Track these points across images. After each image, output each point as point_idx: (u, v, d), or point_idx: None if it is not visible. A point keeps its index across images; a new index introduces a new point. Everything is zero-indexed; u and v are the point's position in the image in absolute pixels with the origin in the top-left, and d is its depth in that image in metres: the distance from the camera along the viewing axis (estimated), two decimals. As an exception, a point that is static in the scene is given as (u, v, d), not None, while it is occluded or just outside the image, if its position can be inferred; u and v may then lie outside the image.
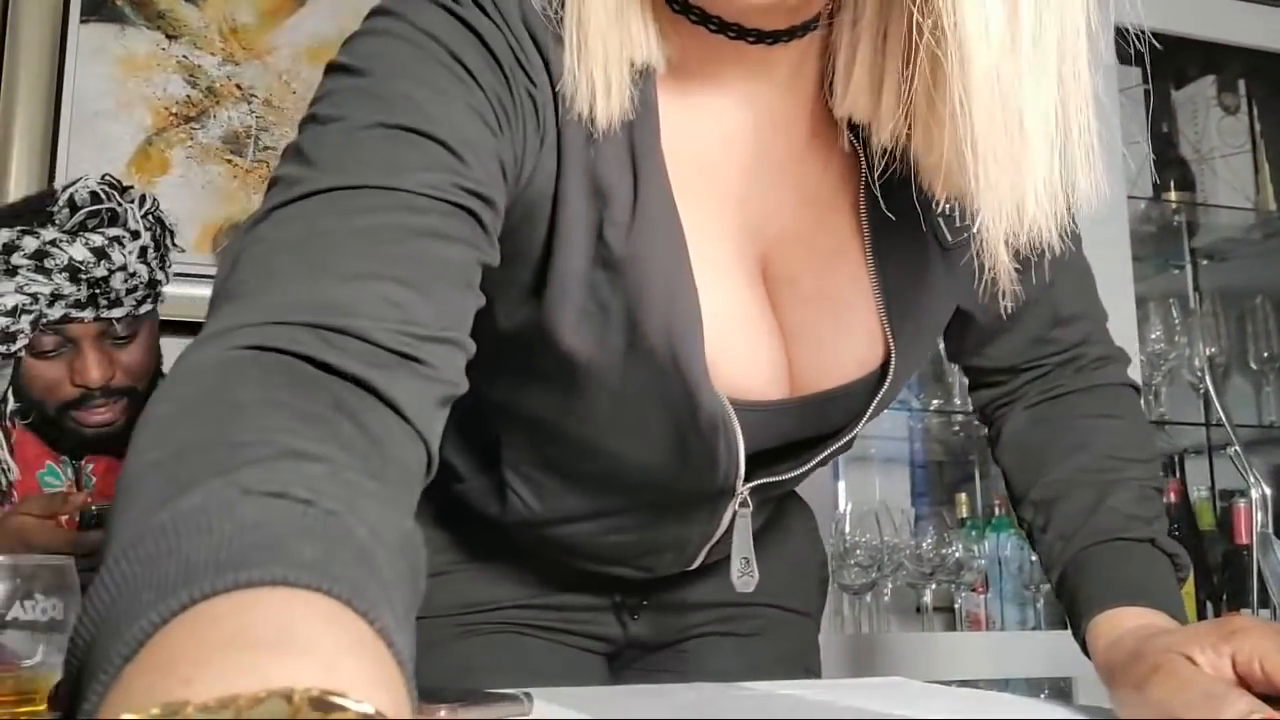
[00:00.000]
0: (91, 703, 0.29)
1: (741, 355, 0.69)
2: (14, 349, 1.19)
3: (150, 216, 1.28)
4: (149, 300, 1.26)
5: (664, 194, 0.64)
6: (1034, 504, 0.78)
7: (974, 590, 1.92)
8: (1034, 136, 0.57)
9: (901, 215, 0.69)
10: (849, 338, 0.73)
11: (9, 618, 0.48)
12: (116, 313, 1.22)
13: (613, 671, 0.93)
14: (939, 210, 0.67)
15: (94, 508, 1.13)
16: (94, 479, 1.29)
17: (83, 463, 1.29)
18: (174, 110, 1.67)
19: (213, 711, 0.24)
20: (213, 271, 1.63)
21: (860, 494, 1.93)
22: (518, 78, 0.59)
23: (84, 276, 1.19)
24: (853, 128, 0.69)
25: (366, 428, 0.44)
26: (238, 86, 1.71)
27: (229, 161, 1.69)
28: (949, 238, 0.71)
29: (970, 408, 0.97)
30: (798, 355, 0.72)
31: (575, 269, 0.64)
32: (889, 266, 0.72)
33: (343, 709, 0.25)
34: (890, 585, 1.87)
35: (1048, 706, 0.69)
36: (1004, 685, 0.83)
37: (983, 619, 1.93)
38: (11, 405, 1.24)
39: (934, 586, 1.85)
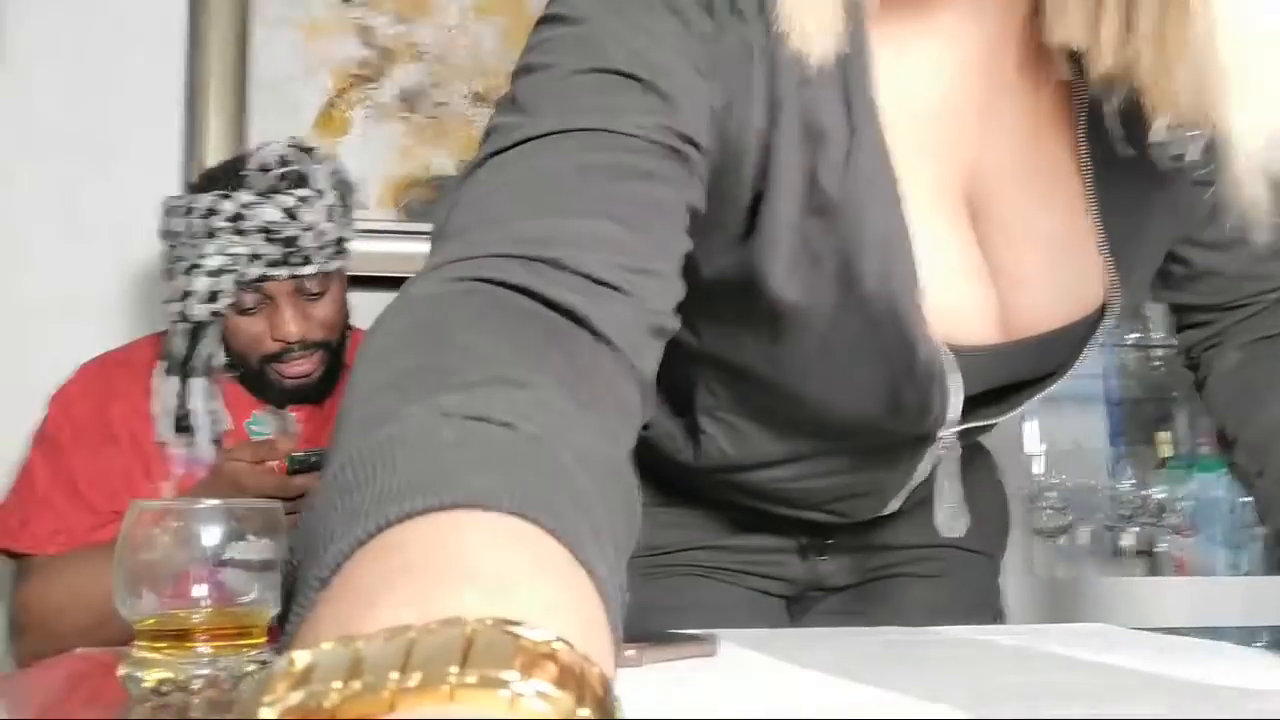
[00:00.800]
0: (289, 633, 0.30)
1: (955, 301, 0.67)
2: (219, 307, 1.27)
3: (335, 176, 1.33)
4: (337, 257, 1.32)
5: (877, 137, 0.62)
6: (1248, 447, 0.73)
7: (1178, 533, 1.82)
8: None
9: (1121, 145, 0.65)
10: (1067, 277, 0.70)
11: (226, 557, 0.51)
12: (308, 270, 1.28)
13: (792, 614, 0.93)
14: (1159, 138, 0.63)
15: (301, 453, 1.19)
16: (299, 425, 1.36)
17: (287, 410, 1.37)
18: (352, 72, 1.73)
19: (383, 646, 0.23)
20: (396, 227, 1.69)
21: (1053, 434, 1.85)
22: (730, 20, 0.59)
23: (277, 236, 1.25)
24: (1070, 56, 0.64)
25: (576, 357, 0.43)
26: (410, 45, 1.75)
27: (405, 119, 1.73)
28: (1165, 167, 0.66)
29: (1172, 340, 0.92)
30: (1012, 298, 0.69)
31: (786, 215, 0.63)
32: (1108, 200, 0.68)
33: (518, 638, 0.23)
34: (1086, 528, 1.79)
35: (1265, 655, 0.64)
36: (1213, 634, 0.78)
37: (1188, 564, 1.83)
38: (220, 359, 1.32)
39: (1134, 529, 1.76)
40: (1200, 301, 0.81)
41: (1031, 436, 1.85)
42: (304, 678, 0.23)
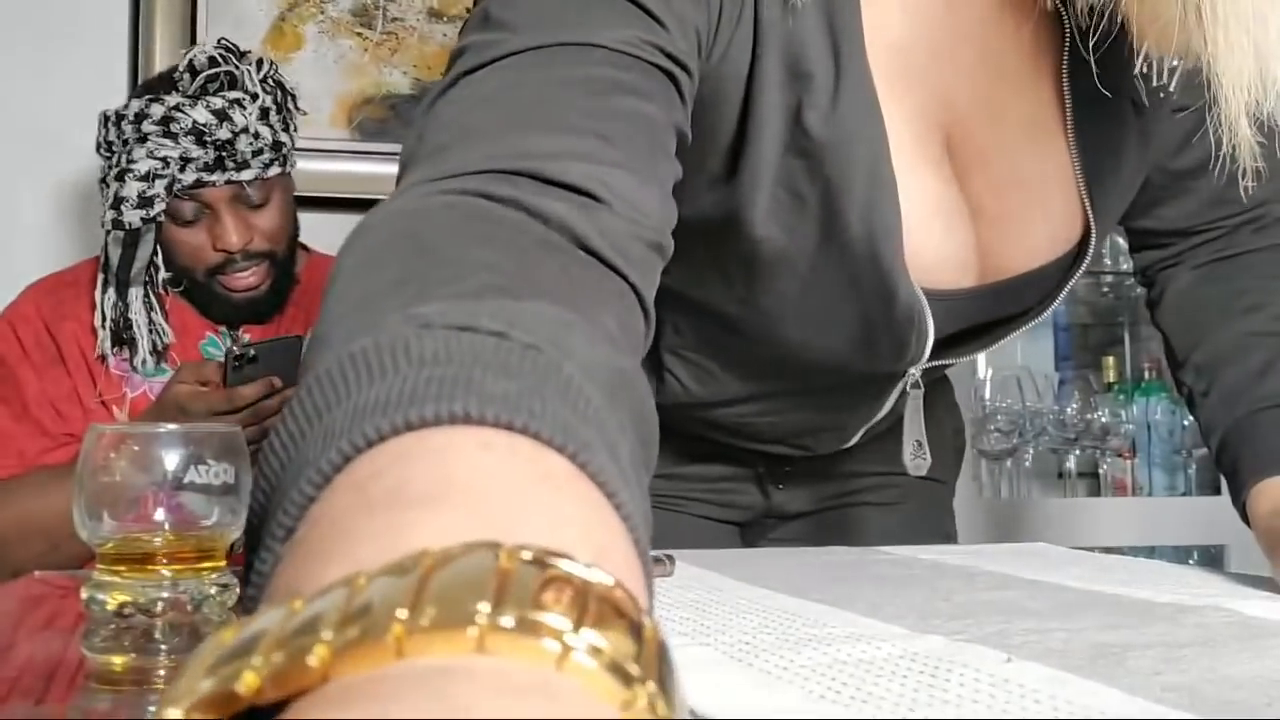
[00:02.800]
0: (251, 595, 0.26)
1: (934, 244, 0.67)
2: (152, 213, 1.24)
3: (270, 81, 1.30)
4: (276, 164, 1.29)
5: (864, 75, 0.61)
6: (1197, 367, 0.74)
7: (1120, 456, 1.87)
8: None
9: (1103, 80, 0.64)
10: (1045, 217, 0.69)
11: (186, 481, 0.51)
12: (245, 175, 1.25)
13: (746, 540, 0.94)
14: (1138, 70, 0.62)
15: (237, 348, 1.15)
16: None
17: (240, 331, 1.36)
18: (303, -16, 1.68)
19: (386, 581, 0.18)
20: (349, 146, 1.66)
21: (1001, 359, 1.89)
22: None
23: (208, 139, 1.23)
24: None
25: (570, 268, 0.40)
26: (364, -43, 1.70)
27: (358, 34, 1.69)
28: (1145, 101, 0.66)
29: (1119, 268, 0.93)
30: (989, 238, 0.69)
31: (769, 155, 0.61)
32: (1089, 137, 0.67)
33: (568, 576, 0.18)
34: (1031, 451, 1.84)
35: (1200, 573, 0.67)
36: (1150, 552, 0.81)
37: (1129, 485, 1.89)
38: (163, 274, 1.30)
39: (1078, 453, 1.81)
40: (1163, 227, 0.81)
41: (980, 361, 1.89)
42: (280, 639, 0.17)
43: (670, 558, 0.63)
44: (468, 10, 1.87)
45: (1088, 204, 0.69)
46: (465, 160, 0.44)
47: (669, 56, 0.52)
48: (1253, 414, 0.68)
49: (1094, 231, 0.70)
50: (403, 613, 0.17)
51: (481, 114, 0.47)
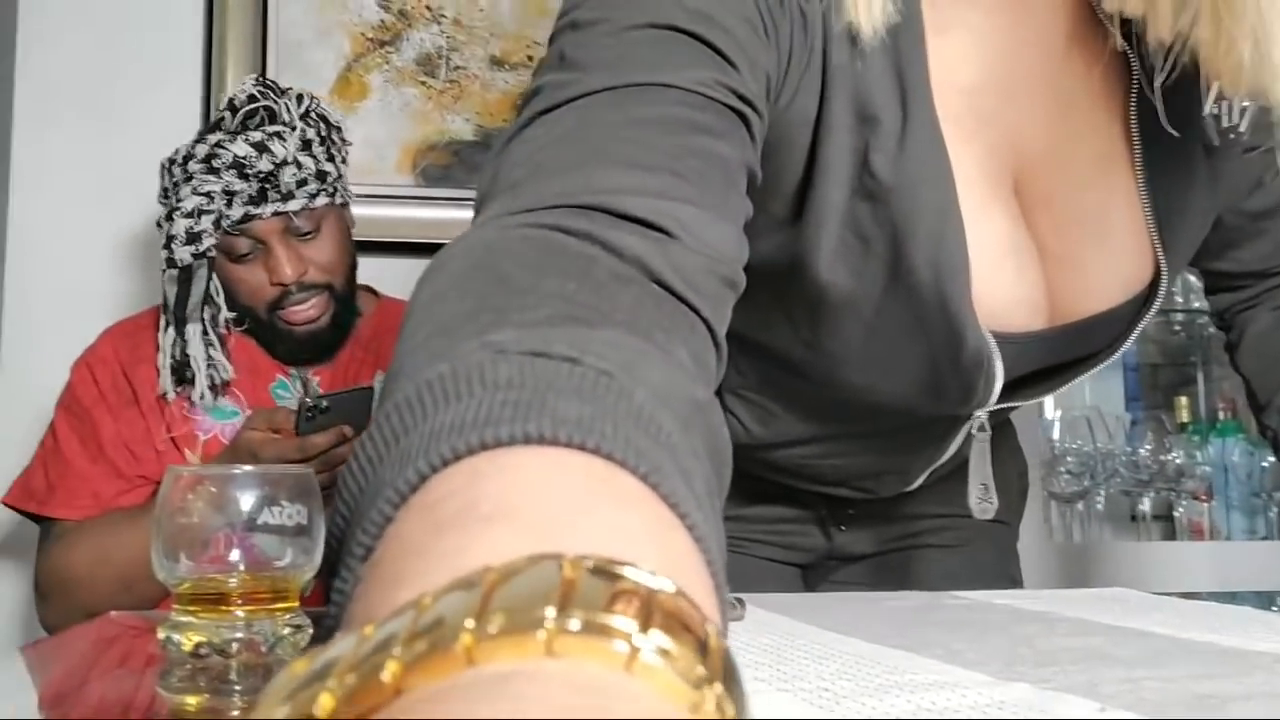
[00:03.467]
0: (334, 614, 0.26)
1: (1003, 286, 0.66)
2: (201, 248, 1.27)
3: (313, 115, 1.33)
4: (323, 194, 1.31)
5: (930, 118, 0.61)
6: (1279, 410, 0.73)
7: (1196, 498, 1.82)
8: None
9: (1172, 120, 0.64)
10: (1114, 258, 0.68)
11: (260, 522, 0.51)
12: (292, 205, 1.28)
13: (808, 582, 0.93)
14: (1208, 111, 0.61)
15: (310, 400, 1.17)
16: (320, 389, 1.36)
17: (310, 374, 1.38)
18: (369, 35, 1.72)
19: (453, 596, 0.18)
20: (413, 192, 1.68)
21: (1069, 399, 1.85)
22: None
23: (250, 171, 1.26)
24: (1123, 25, 0.62)
25: (644, 301, 0.40)
26: (427, 8, 1.74)
27: (422, 83, 1.73)
28: (1215, 141, 0.65)
29: (1190, 306, 0.92)
30: (1058, 279, 0.68)
31: (835, 198, 0.61)
32: (1158, 177, 0.66)
33: (634, 583, 0.18)
34: (1103, 493, 1.79)
35: (1291, 621, 0.64)
36: (1231, 598, 0.78)
37: (1206, 528, 1.83)
38: (225, 313, 1.32)
39: (1152, 495, 1.76)
40: (1239, 269, 0.80)
41: (1049, 402, 1.85)
42: (353, 662, 0.18)
43: (741, 601, 0.62)
44: (529, 58, 1.90)
45: (1158, 244, 0.68)
46: (540, 195, 0.44)
47: (740, 98, 0.52)
48: None
49: (1164, 272, 0.68)
50: (470, 622, 0.17)
51: (556, 151, 0.47)
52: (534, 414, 0.25)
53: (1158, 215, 0.67)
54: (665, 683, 0.17)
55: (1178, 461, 1.73)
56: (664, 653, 0.17)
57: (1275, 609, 0.83)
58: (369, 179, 1.62)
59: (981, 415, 0.74)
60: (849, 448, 0.79)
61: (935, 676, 0.43)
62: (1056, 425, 1.75)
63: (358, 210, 1.44)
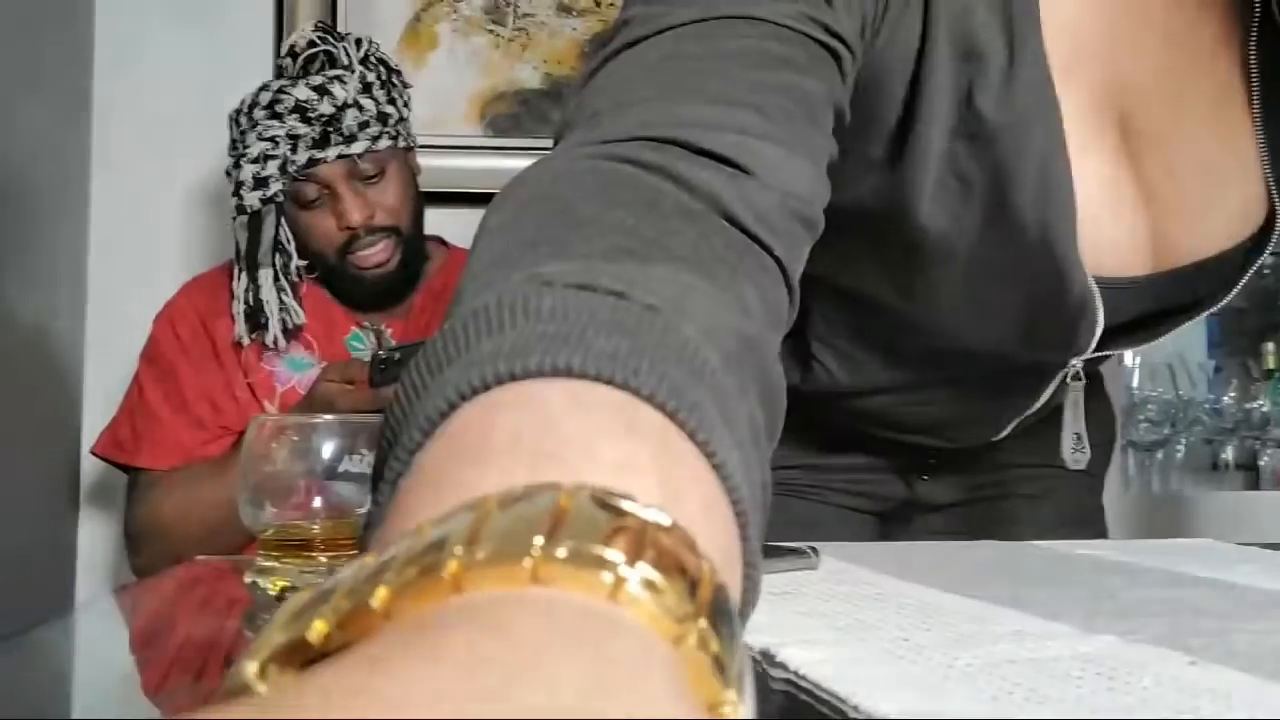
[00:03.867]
0: (368, 533, 0.26)
1: (1106, 230, 0.64)
2: (269, 193, 1.29)
3: (372, 58, 1.35)
4: (386, 136, 1.32)
5: (1039, 56, 0.58)
6: None
7: (1283, 447, 1.77)
8: None
9: None
10: (1225, 201, 0.66)
11: (340, 470, 0.52)
12: (356, 148, 1.29)
13: (886, 531, 0.92)
14: None
15: (383, 353, 1.19)
16: (393, 341, 1.38)
17: (383, 326, 1.39)
18: (436, -16, 1.71)
19: (446, 523, 0.18)
20: (481, 142, 1.68)
21: (1149, 345, 1.80)
22: None
23: (312, 115, 1.27)
24: None
25: (711, 236, 0.38)
26: (494, -45, 1.73)
27: (490, 31, 1.72)
28: None
29: (1277, 249, 0.88)
30: (1164, 223, 0.66)
31: (936, 139, 0.59)
32: (1276, 118, 0.64)
33: (624, 513, 0.18)
34: (1184, 442, 1.75)
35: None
36: (1321, 549, 0.76)
37: (1292, 478, 1.78)
38: (296, 261, 1.34)
39: (1236, 444, 1.72)
40: None
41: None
42: (349, 589, 0.18)
43: (815, 549, 0.62)
44: (596, 3, 1.87)
45: (1273, 187, 0.65)
46: (617, 127, 0.44)
47: (832, 33, 0.51)
48: None
49: (1279, 216, 0.66)
50: (459, 549, 0.17)
51: (638, 83, 0.47)
52: (567, 347, 0.25)
53: (1274, 157, 0.65)
54: (649, 614, 0.17)
55: (1264, 409, 1.68)
56: (650, 585, 0.17)
57: (1367, 561, 0.80)
58: (437, 130, 1.62)
59: (1076, 364, 0.72)
60: (938, 395, 0.78)
61: (1017, 627, 0.42)
62: (1136, 373, 1.71)
63: (425, 161, 1.44)
